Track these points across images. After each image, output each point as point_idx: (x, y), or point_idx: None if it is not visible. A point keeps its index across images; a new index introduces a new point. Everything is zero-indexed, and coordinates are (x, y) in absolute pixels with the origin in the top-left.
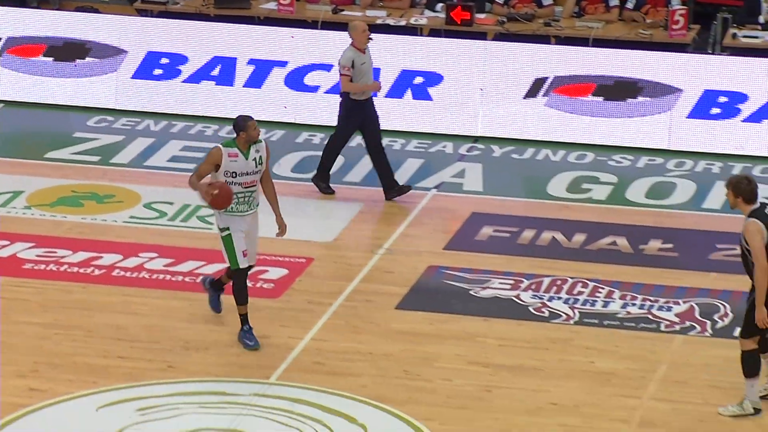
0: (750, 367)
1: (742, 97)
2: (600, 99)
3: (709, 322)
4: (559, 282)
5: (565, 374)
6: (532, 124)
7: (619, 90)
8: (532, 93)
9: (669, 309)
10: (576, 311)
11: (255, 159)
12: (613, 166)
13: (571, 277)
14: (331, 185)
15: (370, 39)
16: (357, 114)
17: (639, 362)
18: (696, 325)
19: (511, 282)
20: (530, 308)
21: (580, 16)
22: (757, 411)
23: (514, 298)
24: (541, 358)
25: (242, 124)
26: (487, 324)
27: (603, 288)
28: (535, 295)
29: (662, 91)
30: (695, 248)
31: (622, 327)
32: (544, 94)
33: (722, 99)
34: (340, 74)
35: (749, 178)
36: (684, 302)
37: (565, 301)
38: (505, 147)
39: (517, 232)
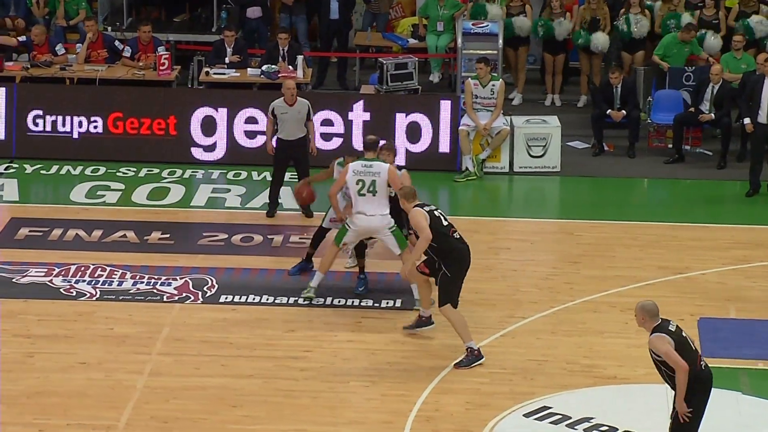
0: None
1: None
2: None
3: (200, 292)
4: (83, 268)
5: (91, 339)
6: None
7: None
8: None
9: (169, 284)
10: (97, 290)
11: None
12: (121, 176)
13: (93, 264)
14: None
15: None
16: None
17: (147, 326)
18: (190, 295)
19: (45, 270)
20: (61, 290)
21: (88, 62)
22: None
23: (48, 283)
24: (71, 328)
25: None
26: (27, 304)
27: (117, 271)
28: (65, 279)
29: None
30: (187, 236)
31: (134, 300)
32: None
33: None
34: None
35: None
36: (180, 278)
37: (89, 283)
38: (36, 165)
39: (48, 231)
